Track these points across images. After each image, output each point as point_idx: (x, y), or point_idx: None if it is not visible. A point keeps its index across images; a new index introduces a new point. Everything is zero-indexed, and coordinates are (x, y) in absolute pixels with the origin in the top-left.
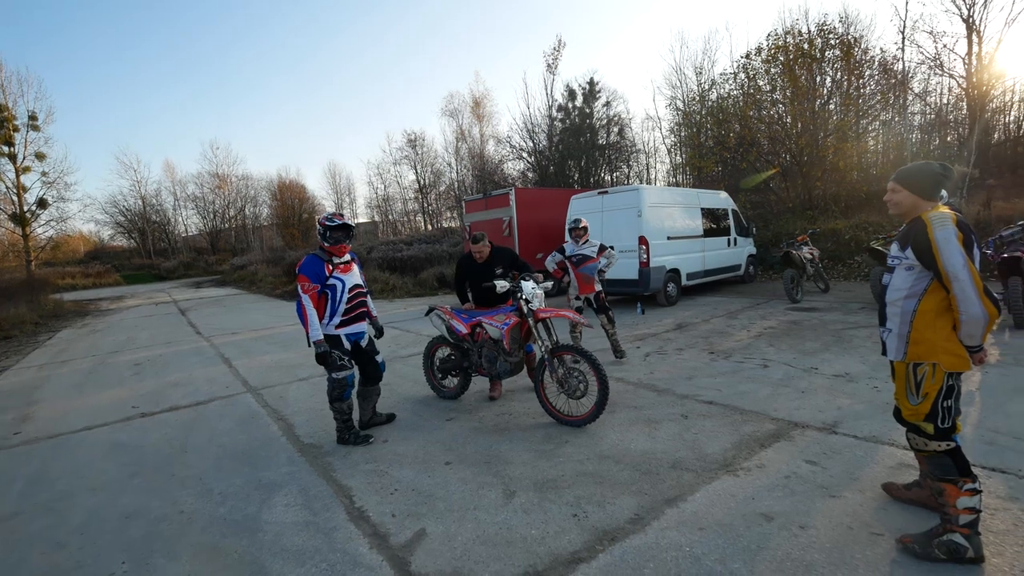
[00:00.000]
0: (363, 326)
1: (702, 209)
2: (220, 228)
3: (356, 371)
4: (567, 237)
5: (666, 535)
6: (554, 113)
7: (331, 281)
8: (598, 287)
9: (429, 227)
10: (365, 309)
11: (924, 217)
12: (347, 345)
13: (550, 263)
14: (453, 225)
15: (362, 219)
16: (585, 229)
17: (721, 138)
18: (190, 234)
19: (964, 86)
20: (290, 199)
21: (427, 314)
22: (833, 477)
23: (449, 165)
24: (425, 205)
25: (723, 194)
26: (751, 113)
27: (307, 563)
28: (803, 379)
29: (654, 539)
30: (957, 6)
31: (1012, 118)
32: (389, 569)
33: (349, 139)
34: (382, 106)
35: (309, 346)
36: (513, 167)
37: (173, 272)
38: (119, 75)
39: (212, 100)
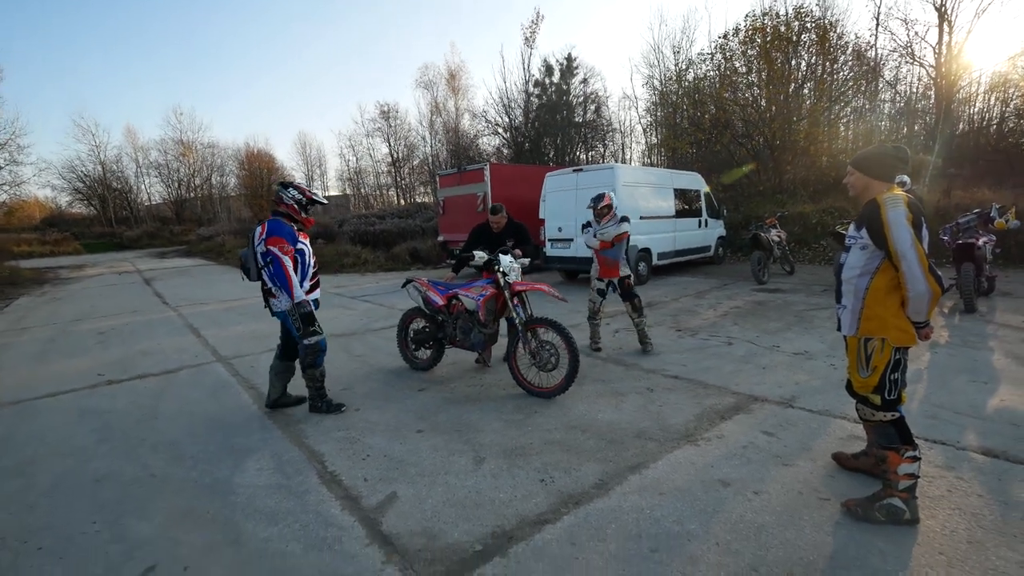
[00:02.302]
0: (318, 293)
1: (675, 190)
2: (185, 197)
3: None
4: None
5: (628, 499)
6: (531, 88)
7: (299, 246)
8: (624, 271)
9: (402, 201)
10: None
11: (878, 198)
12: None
13: (592, 241)
14: (427, 200)
15: (333, 192)
16: (609, 207)
17: (696, 119)
18: (154, 203)
19: (933, 75)
20: (258, 169)
21: (404, 286)
22: (787, 447)
23: (423, 139)
24: (398, 179)
25: (696, 175)
26: (727, 95)
27: (280, 523)
28: (765, 356)
29: (617, 503)
30: None
31: (976, 109)
32: (361, 529)
33: (321, 110)
34: (355, 76)
35: (286, 307)
36: (488, 142)
37: (137, 241)
38: (76, 36)
39: (179, 68)
